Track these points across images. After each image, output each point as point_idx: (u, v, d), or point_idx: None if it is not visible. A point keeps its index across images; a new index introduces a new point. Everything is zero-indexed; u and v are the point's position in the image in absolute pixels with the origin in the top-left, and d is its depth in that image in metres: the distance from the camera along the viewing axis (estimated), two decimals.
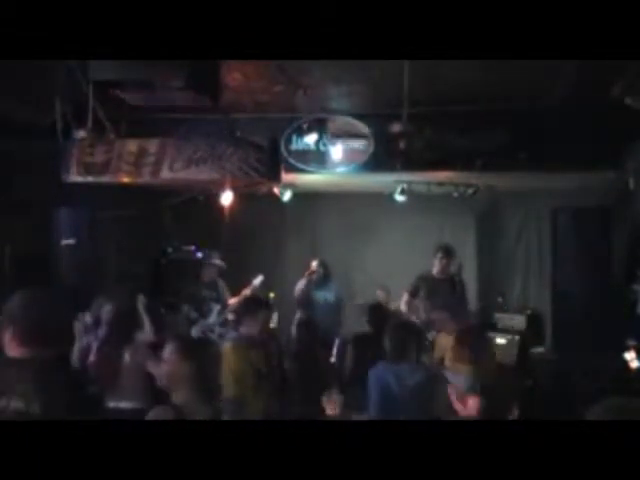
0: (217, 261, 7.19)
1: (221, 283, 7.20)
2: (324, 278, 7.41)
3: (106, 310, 5.38)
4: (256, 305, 4.57)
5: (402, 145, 6.19)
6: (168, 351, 2.86)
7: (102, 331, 5.22)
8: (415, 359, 3.97)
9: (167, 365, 2.82)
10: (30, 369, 2.36)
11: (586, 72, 5.08)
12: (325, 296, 7.38)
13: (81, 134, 5.49)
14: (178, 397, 2.77)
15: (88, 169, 5.44)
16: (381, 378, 3.89)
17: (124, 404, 4.63)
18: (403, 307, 6.69)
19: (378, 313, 5.44)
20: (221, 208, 7.17)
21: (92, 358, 5.00)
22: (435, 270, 6.51)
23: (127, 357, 4.83)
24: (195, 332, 6.75)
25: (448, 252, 6.52)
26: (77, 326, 5.26)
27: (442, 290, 6.43)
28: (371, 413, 3.83)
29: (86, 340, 5.24)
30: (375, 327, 5.27)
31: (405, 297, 6.66)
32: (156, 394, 3.76)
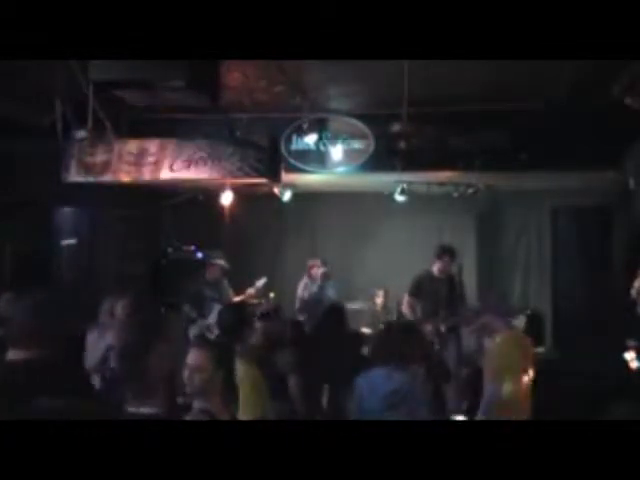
0: (220, 261, 7.20)
1: (225, 283, 7.21)
2: (327, 277, 7.46)
3: (121, 306, 5.37)
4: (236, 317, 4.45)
5: (402, 145, 6.19)
6: (200, 358, 2.82)
7: (121, 329, 5.19)
8: (399, 363, 3.74)
9: (201, 372, 2.78)
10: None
11: (586, 72, 5.08)
12: (329, 294, 7.41)
13: (81, 134, 5.49)
14: (207, 402, 2.75)
15: (88, 169, 5.44)
16: (357, 387, 3.81)
17: (145, 409, 4.59)
18: (404, 308, 6.68)
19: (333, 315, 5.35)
20: (221, 208, 7.18)
21: (114, 360, 4.96)
22: (435, 269, 6.51)
23: (151, 359, 4.75)
24: (193, 332, 6.75)
25: (449, 252, 6.52)
26: (91, 330, 5.28)
27: (441, 289, 6.43)
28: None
29: (103, 342, 5.21)
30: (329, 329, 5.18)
31: (406, 298, 6.65)
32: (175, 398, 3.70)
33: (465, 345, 6.73)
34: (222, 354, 2.86)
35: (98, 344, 5.12)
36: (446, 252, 6.50)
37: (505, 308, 4.44)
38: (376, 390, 3.66)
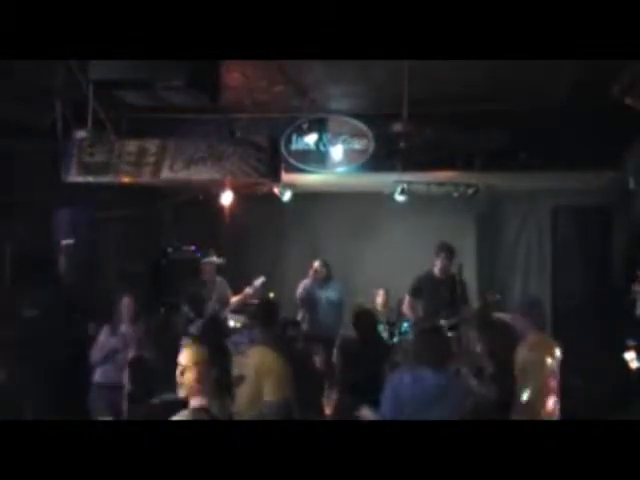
0: (214, 258, 7.19)
1: (222, 282, 7.19)
2: (326, 278, 7.41)
3: (123, 305, 5.61)
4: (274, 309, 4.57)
5: (402, 145, 6.18)
6: (191, 357, 2.83)
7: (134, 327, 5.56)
8: (438, 365, 3.82)
9: (192, 371, 2.80)
10: None
11: (586, 72, 5.08)
12: (328, 296, 7.37)
13: (81, 134, 5.49)
14: (203, 400, 2.77)
15: (88, 169, 5.43)
16: (397, 384, 3.84)
17: (168, 396, 4.80)
18: (405, 309, 6.67)
19: (364, 318, 5.43)
20: (221, 208, 7.17)
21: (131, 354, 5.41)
22: (436, 269, 6.51)
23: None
24: (192, 332, 6.75)
25: (446, 249, 6.52)
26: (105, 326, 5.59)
27: (443, 290, 6.43)
28: (384, 416, 3.78)
29: (113, 340, 5.54)
30: (361, 331, 5.28)
31: (407, 299, 6.64)
32: None
33: (464, 345, 6.72)
34: (213, 353, 2.87)
35: (106, 340, 5.55)
36: (443, 250, 6.51)
37: (537, 313, 4.49)
38: (421, 388, 3.76)
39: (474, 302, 7.58)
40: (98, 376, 5.50)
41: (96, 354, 5.49)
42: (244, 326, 7.06)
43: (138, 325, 5.63)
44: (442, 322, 6.05)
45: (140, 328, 5.61)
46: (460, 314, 6.27)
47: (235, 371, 3.84)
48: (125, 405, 5.23)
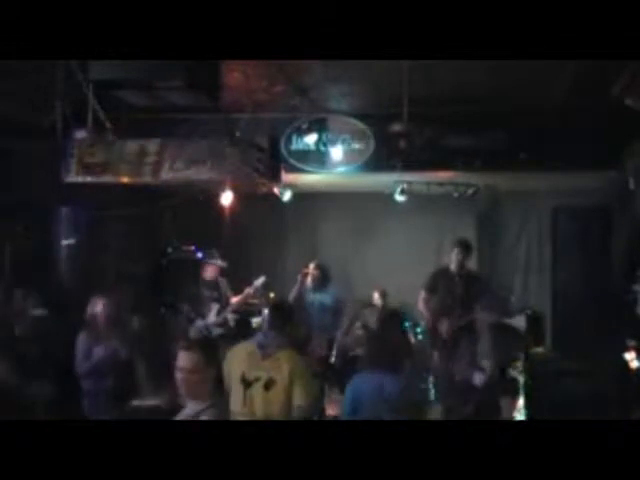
0: (217, 260, 7.18)
1: (223, 282, 7.19)
2: (321, 281, 7.08)
3: (100, 306, 5.31)
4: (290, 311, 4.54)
5: (402, 145, 6.18)
6: (191, 360, 2.83)
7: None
8: (396, 369, 3.90)
9: (193, 374, 2.80)
10: None
11: (586, 72, 5.08)
12: (321, 299, 7.06)
13: (81, 134, 5.49)
14: (201, 404, 2.78)
15: (88, 169, 5.43)
16: (357, 387, 3.90)
17: (149, 402, 4.70)
18: (420, 304, 6.59)
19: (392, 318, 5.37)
20: (221, 208, 7.18)
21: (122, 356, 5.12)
22: (453, 266, 6.46)
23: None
24: (193, 332, 6.75)
25: (461, 245, 6.46)
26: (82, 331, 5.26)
27: (457, 286, 6.38)
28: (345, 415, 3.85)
29: (95, 347, 5.16)
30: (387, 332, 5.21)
31: (422, 294, 6.56)
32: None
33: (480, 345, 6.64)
34: (210, 353, 2.89)
35: (89, 347, 5.13)
36: (457, 246, 6.44)
37: (500, 307, 4.49)
38: (381, 391, 3.81)
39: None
40: (89, 384, 5.07)
41: (81, 366, 5.06)
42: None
43: (119, 328, 5.26)
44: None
45: (119, 331, 5.23)
46: (474, 312, 6.22)
47: (265, 375, 3.84)
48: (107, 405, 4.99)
